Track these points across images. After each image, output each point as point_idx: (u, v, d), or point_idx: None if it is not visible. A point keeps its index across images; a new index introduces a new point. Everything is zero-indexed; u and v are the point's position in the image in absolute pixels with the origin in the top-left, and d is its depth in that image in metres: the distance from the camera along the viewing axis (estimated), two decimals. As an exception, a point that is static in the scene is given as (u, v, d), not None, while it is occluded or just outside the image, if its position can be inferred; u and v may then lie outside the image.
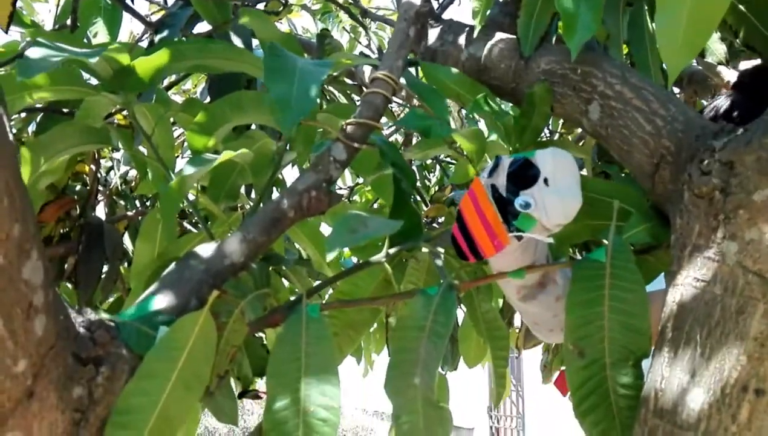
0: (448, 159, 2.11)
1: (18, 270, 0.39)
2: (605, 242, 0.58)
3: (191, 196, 0.94)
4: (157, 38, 1.06)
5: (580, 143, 1.16)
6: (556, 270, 0.69)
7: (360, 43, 2.35)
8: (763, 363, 0.45)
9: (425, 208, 1.93)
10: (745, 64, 1.13)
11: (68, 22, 1.18)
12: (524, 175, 0.58)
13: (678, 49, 0.50)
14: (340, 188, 2.47)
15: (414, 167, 2.40)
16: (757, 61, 0.95)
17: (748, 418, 0.45)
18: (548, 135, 1.89)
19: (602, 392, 0.55)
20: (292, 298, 0.87)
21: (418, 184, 2.30)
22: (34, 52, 0.62)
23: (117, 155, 1.85)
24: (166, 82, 1.75)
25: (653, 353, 0.54)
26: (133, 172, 1.86)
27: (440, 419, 0.54)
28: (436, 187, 2.20)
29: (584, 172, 1.46)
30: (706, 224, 0.50)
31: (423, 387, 0.54)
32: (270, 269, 0.68)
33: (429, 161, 2.13)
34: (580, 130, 1.57)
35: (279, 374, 0.56)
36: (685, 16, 0.48)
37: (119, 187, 1.78)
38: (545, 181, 0.56)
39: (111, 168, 1.87)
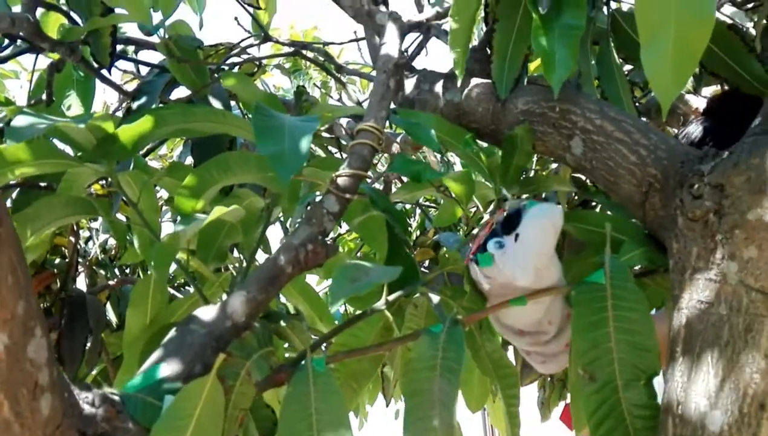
0: (427, 203, 2.13)
1: (23, 349, 0.38)
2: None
3: (181, 259, 0.93)
4: (134, 105, 1.07)
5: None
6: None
7: (331, 97, 2.39)
8: (776, 379, 0.46)
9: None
10: (709, 91, 1.18)
11: (43, 96, 1.18)
12: (512, 221, 0.60)
13: (668, 81, 0.52)
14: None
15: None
16: (721, 88, 0.99)
17: (769, 436, 0.45)
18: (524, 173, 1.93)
19: (617, 414, 0.55)
20: (288, 354, 0.86)
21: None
22: (19, 121, 0.62)
23: (95, 225, 1.83)
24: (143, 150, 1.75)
25: (666, 376, 0.54)
26: (112, 241, 1.83)
27: None
28: (418, 232, 2.21)
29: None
30: (704, 246, 0.51)
31: (443, 428, 0.53)
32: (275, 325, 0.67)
33: (408, 206, 2.14)
34: (554, 166, 1.60)
35: (291, 433, 0.54)
36: (670, 49, 0.50)
37: (98, 257, 1.75)
38: (516, 236, 0.59)
39: (89, 238, 1.85)
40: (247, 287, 0.59)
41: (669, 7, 0.55)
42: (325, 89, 2.29)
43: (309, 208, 0.67)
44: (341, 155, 1.58)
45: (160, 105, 1.11)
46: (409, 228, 2.33)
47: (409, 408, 0.55)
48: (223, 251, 0.96)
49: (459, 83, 0.88)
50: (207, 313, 0.57)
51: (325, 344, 0.78)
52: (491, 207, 0.90)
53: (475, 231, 0.70)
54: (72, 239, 1.59)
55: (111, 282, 1.75)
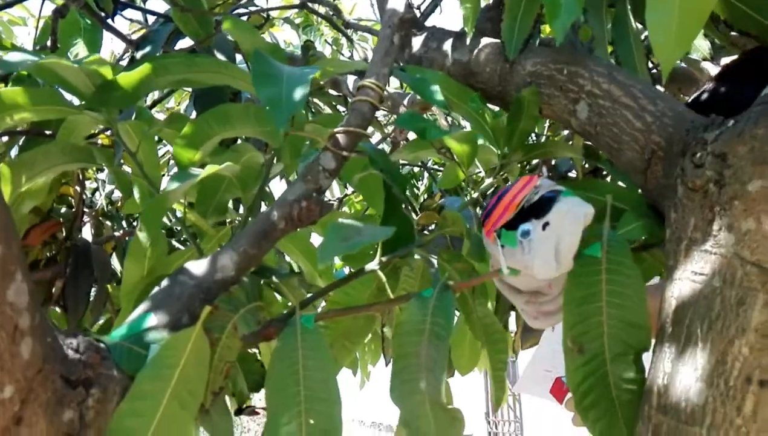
0: (436, 166, 2.11)
1: (3, 293, 0.38)
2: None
3: (179, 213, 0.92)
4: (138, 55, 1.05)
5: (569, 143, 1.16)
6: None
7: (342, 54, 2.35)
8: (765, 354, 0.45)
9: (416, 217, 1.93)
10: (727, 60, 1.14)
11: (48, 43, 1.17)
12: (544, 206, 0.58)
13: (671, 43, 0.49)
14: (329, 200, 2.46)
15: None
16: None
17: (753, 409, 0.45)
18: (534, 138, 1.90)
19: (604, 387, 0.54)
20: (286, 311, 0.86)
21: (407, 192, 2.30)
22: (12, 57, 0.61)
23: (102, 176, 1.83)
24: (149, 101, 1.74)
25: (654, 348, 0.53)
26: (118, 193, 1.84)
27: (451, 421, 0.53)
28: (425, 195, 2.20)
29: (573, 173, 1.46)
30: (702, 216, 0.50)
31: (430, 391, 0.53)
32: (262, 282, 0.67)
33: (417, 169, 2.13)
34: (566, 132, 1.57)
35: (278, 388, 0.54)
36: (676, 9, 0.47)
37: (105, 208, 1.76)
38: (545, 224, 0.56)
39: (96, 189, 1.86)
40: (239, 242, 0.59)
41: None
42: (336, 46, 2.25)
43: (306, 164, 0.66)
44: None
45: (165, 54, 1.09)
46: (417, 191, 2.32)
47: (395, 370, 0.55)
48: (223, 206, 0.95)
49: (468, 41, 0.86)
50: (197, 265, 0.57)
51: (323, 300, 0.78)
52: (496, 172, 0.89)
53: (481, 195, 0.68)
54: (78, 188, 1.60)
55: (117, 233, 1.76)
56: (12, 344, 0.39)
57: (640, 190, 0.66)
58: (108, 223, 1.77)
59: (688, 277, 0.50)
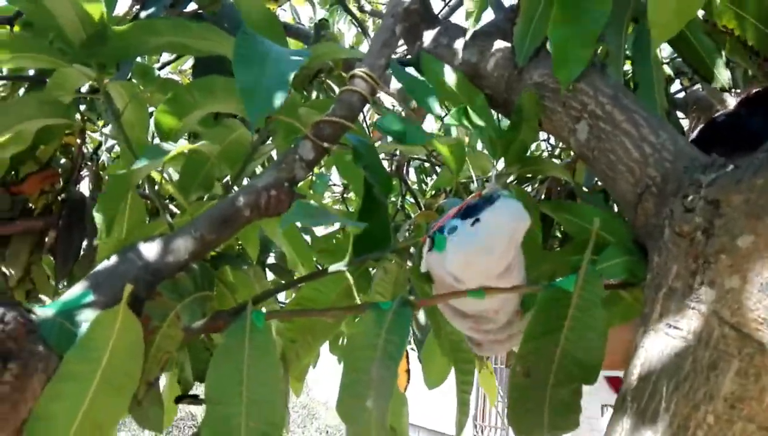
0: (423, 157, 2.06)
1: None
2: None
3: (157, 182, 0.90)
4: (143, 14, 1.02)
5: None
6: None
7: (369, 36, 2.30)
8: (732, 427, 0.41)
9: (416, 213, 1.89)
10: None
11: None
12: (481, 205, 0.55)
13: (670, 13, 0.46)
14: (334, 184, 2.42)
15: (412, 169, 2.35)
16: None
17: (710, 485, 0.41)
18: (549, 150, 1.84)
19: (539, 407, 0.52)
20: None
21: (415, 186, 2.25)
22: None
23: (107, 130, 1.81)
24: (162, 61, 1.71)
25: (616, 399, 0.49)
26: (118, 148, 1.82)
27: None
28: (433, 192, 2.16)
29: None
30: (685, 265, 0.46)
31: (376, 412, 0.50)
32: (221, 268, 0.64)
33: (427, 165, 2.08)
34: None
35: (219, 385, 0.52)
36: None
37: (106, 163, 1.74)
38: (475, 221, 0.53)
39: (100, 143, 1.83)
40: (197, 225, 0.56)
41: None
42: (363, 28, 2.21)
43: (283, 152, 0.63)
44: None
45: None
46: (425, 186, 2.27)
47: (345, 383, 0.52)
48: (209, 181, 0.92)
49: (467, 37, 0.81)
50: (150, 245, 0.54)
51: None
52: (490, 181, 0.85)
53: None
54: (78, 140, 1.58)
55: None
56: None
57: (626, 223, 0.62)
58: (107, 178, 1.75)
59: (662, 329, 0.46)
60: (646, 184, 0.54)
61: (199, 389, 0.75)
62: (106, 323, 0.46)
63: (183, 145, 0.62)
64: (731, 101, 0.94)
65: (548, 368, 0.49)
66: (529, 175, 1.12)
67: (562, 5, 0.66)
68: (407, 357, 1.58)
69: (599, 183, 1.24)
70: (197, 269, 0.55)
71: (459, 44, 0.88)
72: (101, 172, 1.81)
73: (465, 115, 0.73)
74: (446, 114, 0.79)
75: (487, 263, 0.52)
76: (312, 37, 1.25)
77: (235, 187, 0.73)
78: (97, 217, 0.69)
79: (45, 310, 0.49)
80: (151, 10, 1.02)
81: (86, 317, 0.49)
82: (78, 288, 0.52)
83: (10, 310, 0.45)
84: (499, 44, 0.83)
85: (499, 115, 0.96)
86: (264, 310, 0.54)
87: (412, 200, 1.98)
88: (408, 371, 1.58)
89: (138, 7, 1.03)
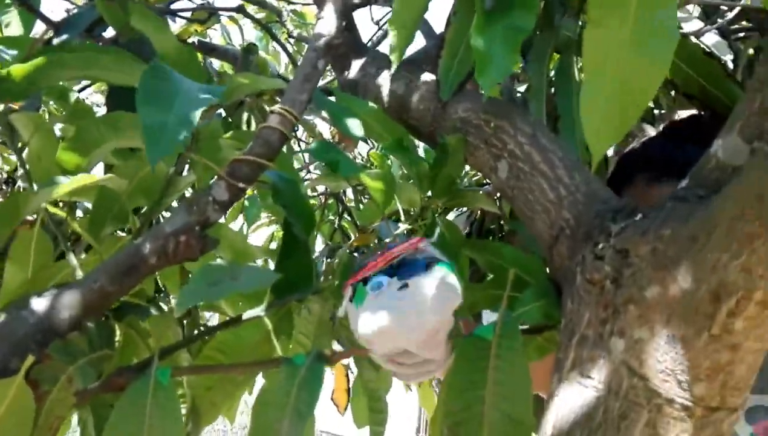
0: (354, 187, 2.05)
1: None
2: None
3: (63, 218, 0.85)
4: (56, 40, 0.97)
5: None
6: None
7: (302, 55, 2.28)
8: (642, 478, 0.41)
9: (353, 237, 1.87)
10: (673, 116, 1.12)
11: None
12: (415, 268, 0.52)
13: (605, 131, 0.46)
14: (316, 194, 2.34)
15: (349, 189, 2.33)
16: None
17: None
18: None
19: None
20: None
21: (352, 205, 2.23)
22: None
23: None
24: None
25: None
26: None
27: None
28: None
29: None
30: (596, 314, 0.46)
31: None
32: (121, 322, 0.60)
33: (362, 187, 2.07)
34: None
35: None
36: (615, 97, 0.44)
37: (22, 190, 1.65)
38: (404, 285, 0.51)
39: (15, 168, 1.74)
40: (97, 275, 0.52)
41: (619, 41, 0.49)
42: (298, 48, 2.18)
43: (192, 193, 0.60)
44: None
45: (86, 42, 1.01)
46: (361, 206, 2.25)
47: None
48: (124, 215, 0.88)
49: (392, 71, 0.81)
50: (41, 300, 0.50)
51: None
52: (416, 216, 0.84)
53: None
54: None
55: (30, 218, 1.65)
56: None
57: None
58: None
59: (575, 378, 0.46)
60: (561, 227, 0.54)
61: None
62: (-4, 393, 0.42)
63: (82, 177, 0.58)
64: (650, 131, 0.96)
65: (479, 429, 0.47)
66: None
67: (484, 13, 0.65)
68: (347, 376, 1.56)
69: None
70: (93, 328, 0.51)
71: (386, 75, 0.87)
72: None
73: (399, 148, 0.72)
74: (372, 147, 0.78)
75: (401, 338, 0.50)
76: (240, 60, 1.22)
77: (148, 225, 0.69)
78: (16, 251, 0.64)
79: None
80: (64, 36, 0.97)
81: (-32, 385, 0.44)
82: (-40, 350, 0.47)
83: None
84: (426, 76, 0.83)
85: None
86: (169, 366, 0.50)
87: (350, 219, 1.96)
88: (348, 390, 1.56)
89: (51, 33, 0.98)
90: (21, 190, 1.66)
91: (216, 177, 0.61)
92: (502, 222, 1.16)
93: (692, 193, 0.46)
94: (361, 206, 2.19)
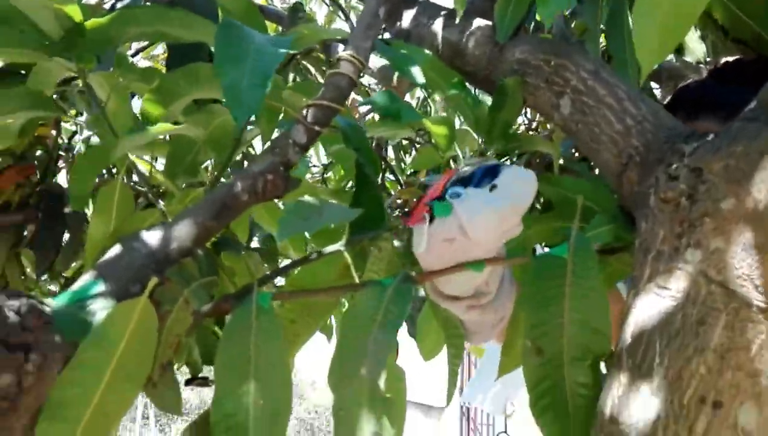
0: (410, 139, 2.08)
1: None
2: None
3: (144, 171, 0.90)
4: (118, 4, 1.01)
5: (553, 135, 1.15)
6: (504, 273, 0.67)
7: (339, 17, 2.29)
8: (722, 375, 0.44)
9: (397, 191, 1.91)
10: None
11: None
12: (486, 176, 0.56)
13: (653, 45, 0.48)
14: (314, 166, 2.42)
15: (390, 147, 2.36)
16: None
17: (705, 431, 0.44)
18: (526, 124, 1.87)
19: (559, 391, 0.54)
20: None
21: (393, 163, 2.26)
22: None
23: (81, 119, 1.78)
24: (134, 48, 1.69)
25: (612, 357, 0.52)
26: (96, 138, 1.79)
27: (388, 412, 0.52)
28: (411, 170, 2.17)
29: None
30: (671, 230, 0.49)
31: (370, 379, 0.52)
32: (222, 254, 0.65)
33: (405, 142, 2.10)
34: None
35: (228, 367, 0.53)
36: (664, 11, 0.45)
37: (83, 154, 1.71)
38: (493, 187, 0.55)
39: (75, 132, 1.80)
40: (198, 212, 0.57)
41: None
42: (333, 7, 2.19)
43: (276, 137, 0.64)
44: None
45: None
46: (403, 164, 2.28)
47: (339, 355, 0.53)
48: (195, 168, 0.93)
49: (458, 20, 0.83)
50: (152, 234, 0.55)
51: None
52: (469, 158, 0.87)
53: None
54: (53, 131, 1.55)
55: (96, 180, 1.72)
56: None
57: (611, 192, 0.65)
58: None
59: (652, 290, 0.49)
60: (630, 155, 0.57)
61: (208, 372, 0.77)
62: (125, 314, 0.47)
63: (165, 125, 0.62)
64: (704, 72, 0.97)
65: (559, 341, 0.52)
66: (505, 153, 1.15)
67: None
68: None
69: (576, 154, 1.28)
70: (202, 255, 0.56)
71: (439, 23, 0.90)
72: (77, 164, 1.78)
73: (460, 91, 0.74)
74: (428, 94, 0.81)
75: (510, 224, 0.54)
76: (287, 18, 1.24)
77: (224, 174, 0.73)
78: (72, 188, 0.68)
79: (56, 301, 0.50)
80: (126, 1, 1.01)
81: (99, 306, 0.50)
82: (86, 279, 0.52)
83: (25, 302, 0.46)
84: (479, 22, 0.85)
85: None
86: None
87: (392, 178, 2.00)
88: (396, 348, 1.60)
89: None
90: (81, 155, 1.73)
91: (295, 121, 0.65)
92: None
93: (761, 112, 0.48)
94: (402, 164, 2.22)
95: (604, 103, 0.61)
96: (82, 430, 0.47)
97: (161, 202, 0.78)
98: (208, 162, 1.00)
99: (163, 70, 1.11)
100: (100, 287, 0.51)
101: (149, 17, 0.71)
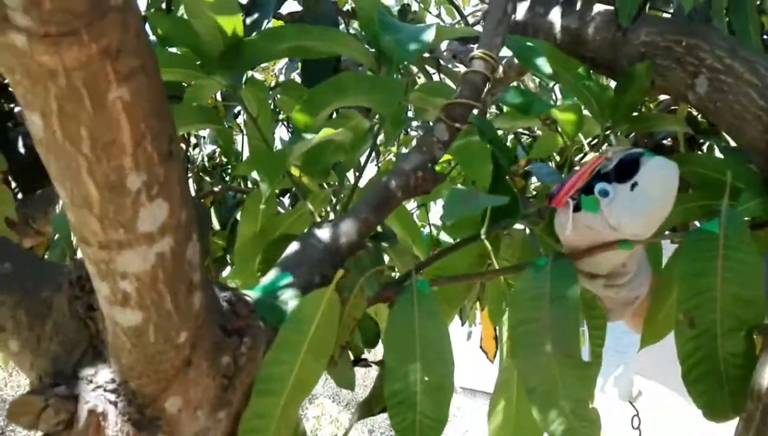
0: (521, 130, 2.08)
1: (184, 252, 0.44)
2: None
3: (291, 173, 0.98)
4: (248, 20, 1.10)
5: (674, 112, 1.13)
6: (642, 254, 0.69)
7: (429, 12, 2.33)
8: None
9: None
10: None
11: (162, 5, 1.23)
12: (627, 170, 0.59)
13: None
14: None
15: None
16: None
17: None
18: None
19: (712, 361, 0.56)
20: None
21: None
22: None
23: (202, 133, 1.93)
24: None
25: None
26: (217, 150, 1.94)
27: (581, 380, 0.55)
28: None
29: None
30: (831, 201, 0.50)
31: (557, 351, 0.56)
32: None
33: (500, 133, 2.11)
34: (661, 97, 1.52)
35: (396, 347, 0.59)
36: None
37: (205, 165, 1.86)
38: (634, 185, 0.57)
39: (196, 145, 1.96)
40: (360, 209, 0.63)
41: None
42: (425, 3, 2.24)
43: (420, 135, 0.70)
44: (439, 76, 1.57)
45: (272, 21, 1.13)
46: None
47: (516, 338, 0.58)
48: (327, 169, 1.00)
49: (578, 7, 0.85)
50: (323, 231, 0.62)
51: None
52: (597, 144, 0.89)
53: (575, 168, 0.69)
54: (182, 145, 1.70)
55: (215, 189, 1.86)
56: (188, 297, 0.45)
57: (751, 167, 0.65)
58: (207, 178, 1.87)
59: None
60: (778, 130, 0.58)
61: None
62: (316, 301, 0.54)
63: (326, 130, 0.69)
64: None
65: (712, 314, 0.54)
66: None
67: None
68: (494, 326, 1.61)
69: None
70: (372, 247, 0.63)
71: (556, 12, 0.92)
72: (201, 174, 1.93)
73: (589, 77, 0.77)
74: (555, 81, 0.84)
75: (659, 219, 0.57)
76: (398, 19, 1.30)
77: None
78: (263, 187, 0.76)
79: (250, 292, 0.58)
80: (255, 16, 1.10)
81: (289, 296, 0.57)
82: (273, 273, 0.60)
83: (233, 293, 0.54)
84: (598, 7, 0.86)
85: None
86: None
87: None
88: (495, 338, 1.60)
89: (244, 14, 1.11)
90: (204, 166, 1.88)
91: (436, 119, 0.70)
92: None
93: None
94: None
95: (744, 80, 0.62)
96: (285, 401, 0.54)
97: (308, 203, 0.85)
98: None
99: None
100: (288, 280, 0.58)
101: (294, 34, 0.78)
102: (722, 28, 0.79)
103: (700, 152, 1.03)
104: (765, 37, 1.27)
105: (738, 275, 0.54)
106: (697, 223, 0.67)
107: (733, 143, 0.75)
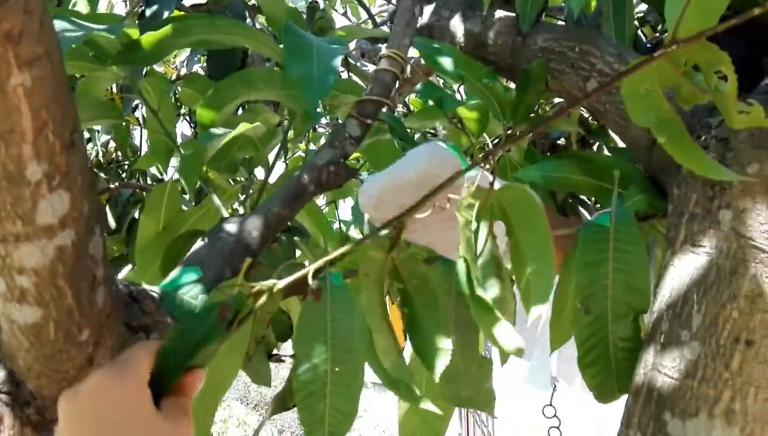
0: (432, 131, 2.14)
1: (86, 246, 0.42)
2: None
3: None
4: (148, 11, 1.05)
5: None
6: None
7: (336, 11, 2.34)
8: (753, 317, 0.51)
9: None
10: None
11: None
12: None
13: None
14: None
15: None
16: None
17: (740, 366, 0.51)
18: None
19: (603, 345, 0.61)
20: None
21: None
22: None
23: (96, 127, 1.83)
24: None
25: (652, 311, 0.59)
26: (111, 145, 1.84)
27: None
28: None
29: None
30: (703, 193, 0.55)
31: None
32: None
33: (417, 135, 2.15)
34: (556, 100, 1.62)
35: (306, 338, 0.59)
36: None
37: (100, 160, 1.76)
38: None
39: (89, 139, 1.85)
40: (273, 203, 0.63)
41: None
42: (329, 2, 2.24)
43: (329, 131, 0.70)
44: (348, 75, 1.58)
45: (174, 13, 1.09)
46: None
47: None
48: (234, 165, 0.99)
49: (485, 11, 0.89)
50: (234, 224, 0.61)
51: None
52: (499, 143, 0.93)
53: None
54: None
55: (111, 186, 1.77)
56: (91, 293, 0.43)
57: (637, 166, 0.71)
58: (102, 175, 1.78)
59: (688, 248, 0.56)
60: (658, 130, 0.63)
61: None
62: (225, 294, 0.53)
63: (243, 125, 0.68)
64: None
65: (604, 301, 0.58)
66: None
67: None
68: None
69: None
70: (285, 240, 0.62)
71: (459, 16, 0.95)
72: (95, 170, 1.83)
73: (488, 79, 0.80)
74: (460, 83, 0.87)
75: (396, 192, 0.56)
76: (306, 17, 1.29)
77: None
78: (186, 186, 0.73)
79: (157, 288, 0.56)
80: (154, 8, 1.06)
81: (199, 290, 0.56)
82: (179, 268, 0.58)
83: (138, 289, 0.52)
84: (500, 13, 0.91)
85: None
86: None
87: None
88: (404, 331, 1.64)
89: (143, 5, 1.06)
90: (99, 161, 1.77)
91: (348, 116, 0.71)
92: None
93: (776, 87, 0.54)
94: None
95: (629, 84, 0.67)
96: (199, 398, 0.53)
97: (216, 198, 0.84)
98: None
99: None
100: (197, 275, 0.57)
101: (201, 27, 0.76)
102: (609, 33, 0.85)
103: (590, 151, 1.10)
104: (648, 46, 1.39)
105: (627, 264, 0.59)
106: (589, 217, 0.72)
107: (620, 143, 0.82)
